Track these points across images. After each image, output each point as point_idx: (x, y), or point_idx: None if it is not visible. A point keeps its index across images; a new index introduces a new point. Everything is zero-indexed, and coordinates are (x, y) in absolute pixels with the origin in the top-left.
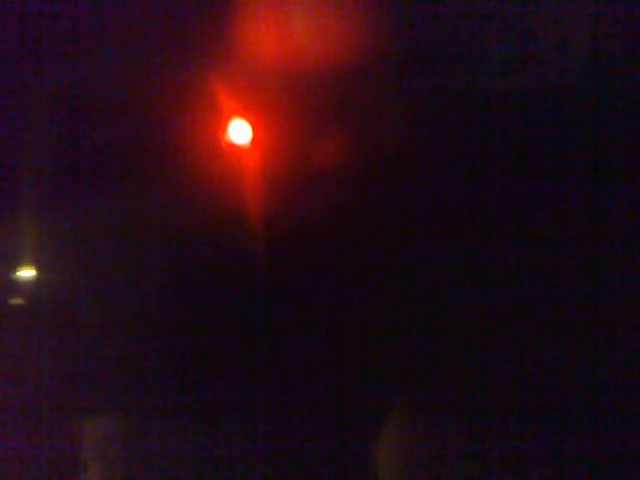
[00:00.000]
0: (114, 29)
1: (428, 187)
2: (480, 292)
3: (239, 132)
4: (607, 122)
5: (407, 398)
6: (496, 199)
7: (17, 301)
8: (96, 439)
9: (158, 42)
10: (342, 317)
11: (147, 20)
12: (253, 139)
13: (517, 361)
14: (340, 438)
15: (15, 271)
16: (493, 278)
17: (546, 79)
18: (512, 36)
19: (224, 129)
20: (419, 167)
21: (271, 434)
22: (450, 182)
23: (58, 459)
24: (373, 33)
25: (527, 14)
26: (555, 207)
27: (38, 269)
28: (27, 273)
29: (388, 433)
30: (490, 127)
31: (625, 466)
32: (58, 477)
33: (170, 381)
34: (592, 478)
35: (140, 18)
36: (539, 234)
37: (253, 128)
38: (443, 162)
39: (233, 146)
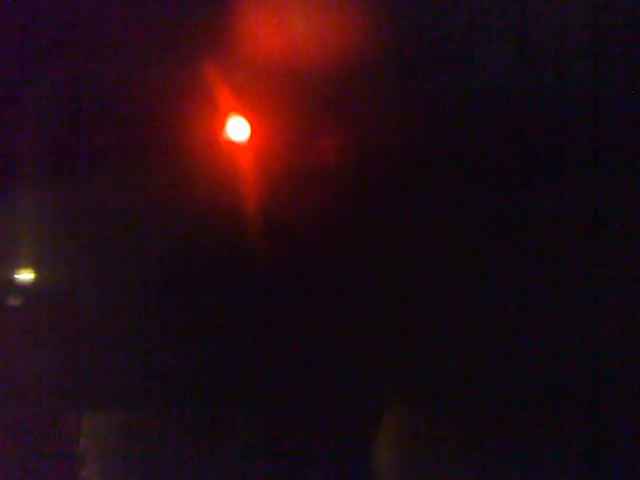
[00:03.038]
0: (111, 24)
1: (428, 185)
2: (481, 290)
3: (237, 129)
4: (608, 122)
5: (409, 395)
6: (497, 199)
7: (14, 295)
8: (96, 436)
9: (155, 38)
10: (342, 315)
11: (144, 16)
12: (251, 136)
13: (517, 360)
14: (341, 435)
15: (13, 265)
16: (493, 276)
17: (546, 80)
18: (511, 37)
19: (222, 126)
20: (419, 165)
21: (273, 430)
22: (450, 182)
23: (58, 456)
24: (373, 30)
25: (527, 14)
26: (555, 209)
27: (37, 265)
28: (25, 268)
29: (389, 430)
30: (490, 128)
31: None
32: (58, 474)
33: (171, 378)
34: (593, 478)
35: (137, 14)
36: (540, 237)
37: (251, 125)
38: (443, 161)
39: (231, 143)
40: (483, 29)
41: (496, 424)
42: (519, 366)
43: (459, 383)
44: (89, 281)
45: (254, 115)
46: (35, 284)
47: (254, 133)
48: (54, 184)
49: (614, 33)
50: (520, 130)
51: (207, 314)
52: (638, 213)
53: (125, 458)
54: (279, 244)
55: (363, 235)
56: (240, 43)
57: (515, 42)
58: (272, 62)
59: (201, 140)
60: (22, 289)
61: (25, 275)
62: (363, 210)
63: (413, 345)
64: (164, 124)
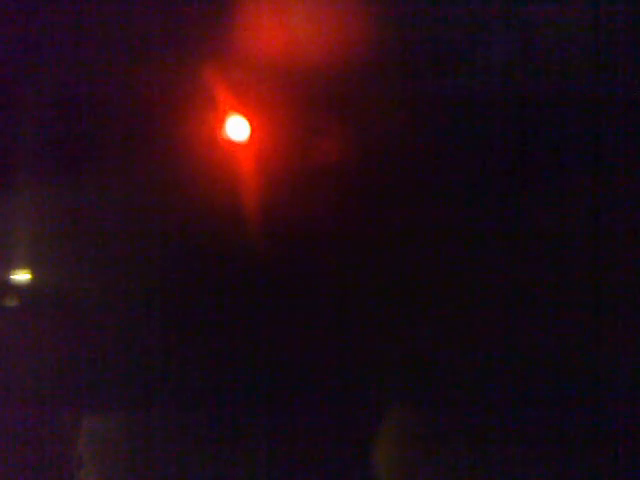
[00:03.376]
0: (110, 23)
1: (429, 185)
2: (482, 290)
3: (237, 128)
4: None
5: (412, 396)
6: (497, 199)
7: (14, 296)
8: (95, 437)
9: (154, 37)
10: (344, 315)
11: (143, 15)
12: (251, 135)
13: (518, 359)
14: (341, 435)
15: (12, 266)
16: (494, 277)
17: (548, 80)
18: (513, 36)
19: (221, 125)
20: (420, 165)
21: (273, 431)
22: (451, 181)
23: (57, 457)
24: (374, 29)
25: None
26: (556, 208)
27: (36, 266)
28: (24, 268)
29: (391, 432)
30: (491, 128)
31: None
32: (58, 475)
33: (171, 379)
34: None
35: (137, 13)
36: (542, 237)
37: (251, 124)
38: (444, 160)
39: (230, 142)
40: (485, 28)
41: (498, 425)
42: (521, 367)
43: (462, 383)
44: (88, 282)
45: (254, 114)
46: (34, 285)
47: (254, 132)
48: (52, 184)
49: (616, 30)
50: (522, 130)
51: (208, 314)
52: None
53: (124, 460)
54: (279, 244)
55: (364, 235)
56: (240, 42)
57: (517, 42)
58: (272, 61)
59: (201, 140)
60: (21, 290)
61: (24, 276)
62: (364, 210)
63: (416, 345)
64: (164, 123)
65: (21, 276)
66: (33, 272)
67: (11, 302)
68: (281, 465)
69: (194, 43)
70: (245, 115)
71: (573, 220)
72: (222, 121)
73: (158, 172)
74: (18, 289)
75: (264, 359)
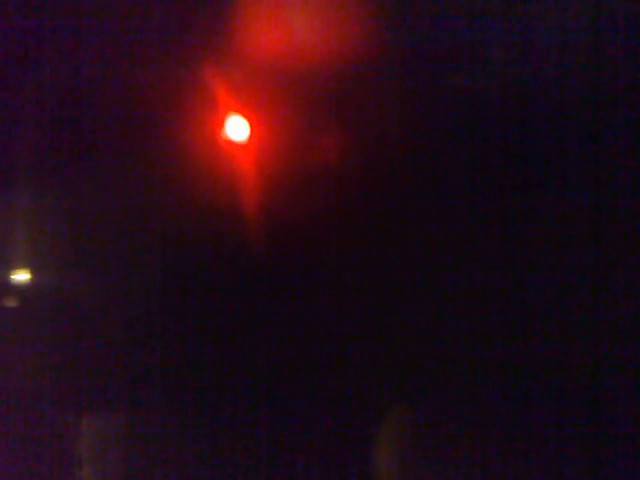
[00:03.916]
0: (109, 22)
1: (429, 185)
2: (482, 290)
3: (236, 128)
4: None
5: (411, 397)
6: (497, 198)
7: (12, 296)
8: (94, 438)
9: (154, 36)
10: (344, 315)
11: (143, 14)
12: (251, 136)
13: (519, 360)
14: (340, 435)
15: (10, 266)
16: (494, 276)
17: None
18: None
19: (221, 125)
20: (420, 165)
21: (272, 432)
22: (451, 180)
23: (57, 457)
24: (373, 29)
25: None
26: (557, 208)
27: (35, 266)
28: (23, 269)
29: (390, 432)
30: (491, 126)
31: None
32: (57, 475)
33: (171, 379)
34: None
35: (136, 12)
36: (541, 237)
37: (251, 124)
38: (444, 160)
39: (230, 143)
40: (486, 26)
41: (498, 425)
42: (522, 368)
43: (461, 384)
44: (87, 282)
45: (254, 115)
46: (33, 285)
47: (254, 132)
48: (51, 184)
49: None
50: (523, 129)
51: (207, 315)
52: None
53: (124, 460)
54: (279, 244)
55: (365, 235)
56: (240, 41)
57: (519, 39)
58: (272, 60)
59: (200, 140)
60: (20, 290)
61: (23, 276)
62: (365, 210)
63: (415, 347)
64: (163, 124)
65: (20, 276)
66: (32, 273)
67: (10, 303)
68: (281, 466)
69: (193, 42)
70: (245, 115)
71: (574, 218)
72: (222, 121)
73: (158, 172)
74: (17, 289)
75: (265, 360)
